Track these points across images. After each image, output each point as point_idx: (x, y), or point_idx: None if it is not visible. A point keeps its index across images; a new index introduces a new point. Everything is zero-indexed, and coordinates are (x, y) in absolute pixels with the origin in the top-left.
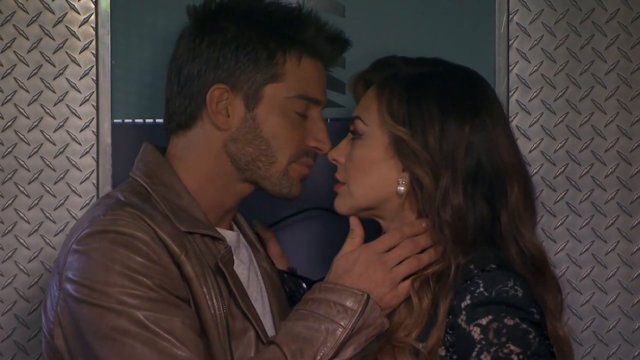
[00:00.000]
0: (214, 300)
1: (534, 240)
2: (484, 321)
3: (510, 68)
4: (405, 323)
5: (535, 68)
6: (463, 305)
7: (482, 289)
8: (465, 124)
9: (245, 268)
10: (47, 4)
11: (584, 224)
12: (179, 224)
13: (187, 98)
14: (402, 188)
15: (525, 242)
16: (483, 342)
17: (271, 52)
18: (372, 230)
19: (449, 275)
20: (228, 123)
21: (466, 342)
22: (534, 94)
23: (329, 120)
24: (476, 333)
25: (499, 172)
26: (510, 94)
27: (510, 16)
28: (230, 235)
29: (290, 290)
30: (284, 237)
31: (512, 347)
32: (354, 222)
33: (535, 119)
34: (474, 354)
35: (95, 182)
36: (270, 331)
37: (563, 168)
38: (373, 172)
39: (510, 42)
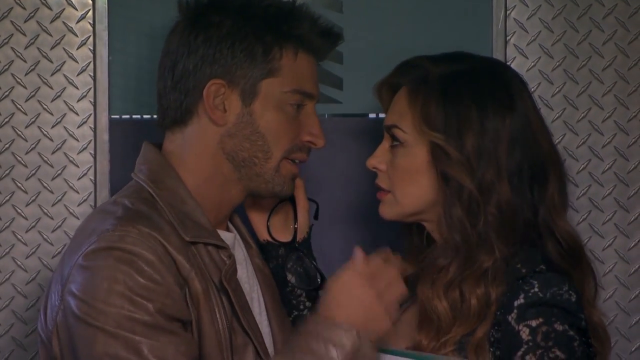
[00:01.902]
0: (218, 317)
1: (568, 229)
2: (533, 323)
3: (508, 64)
4: (455, 322)
5: (532, 64)
6: (516, 303)
7: (536, 290)
8: (506, 118)
9: (242, 267)
10: (44, 0)
11: (581, 219)
12: (184, 234)
13: (183, 93)
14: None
15: (562, 233)
16: (530, 344)
17: (267, 48)
18: (390, 233)
19: (497, 271)
20: (225, 118)
21: (513, 340)
22: (532, 90)
23: (326, 116)
24: (525, 333)
25: (539, 162)
26: None
27: (508, 12)
28: (228, 238)
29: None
30: None
31: (558, 353)
32: (358, 255)
33: None
34: (520, 353)
35: (92, 178)
36: (265, 330)
37: None
38: (419, 181)
39: (508, 38)
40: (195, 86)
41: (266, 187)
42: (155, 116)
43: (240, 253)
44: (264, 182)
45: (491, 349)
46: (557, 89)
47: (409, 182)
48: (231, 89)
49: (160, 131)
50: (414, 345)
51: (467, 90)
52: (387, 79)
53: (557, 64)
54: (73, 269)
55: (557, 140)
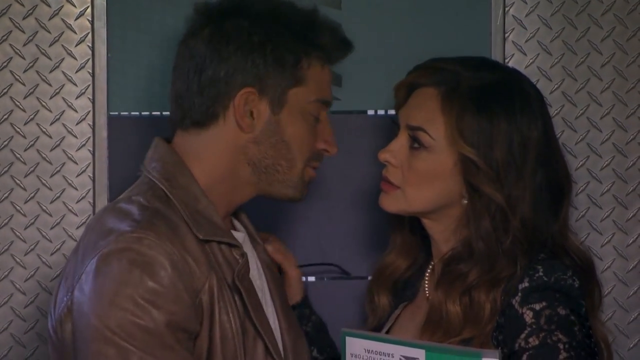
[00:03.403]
0: (232, 317)
1: (579, 246)
2: (537, 306)
3: (506, 61)
4: (465, 325)
5: (531, 61)
6: (520, 287)
7: (541, 274)
8: (533, 134)
9: (252, 264)
10: None
11: (579, 216)
12: (197, 232)
13: (210, 99)
14: (466, 201)
15: (574, 249)
16: (534, 326)
17: (297, 57)
18: (382, 221)
19: (513, 281)
20: (252, 126)
21: (516, 323)
22: None
23: None
24: (528, 316)
25: (558, 180)
26: None
27: (506, 9)
28: (239, 236)
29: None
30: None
31: (560, 336)
32: None
33: None
34: (523, 335)
35: (91, 175)
36: (274, 325)
37: None
38: (437, 185)
39: (506, 35)
40: (225, 93)
41: (286, 192)
42: (153, 113)
43: (249, 251)
44: (285, 187)
45: (494, 334)
46: (555, 86)
47: (426, 185)
48: (261, 97)
49: (160, 128)
50: None
51: (499, 105)
52: (411, 79)
53: (556, 60)
54: (88, 267)
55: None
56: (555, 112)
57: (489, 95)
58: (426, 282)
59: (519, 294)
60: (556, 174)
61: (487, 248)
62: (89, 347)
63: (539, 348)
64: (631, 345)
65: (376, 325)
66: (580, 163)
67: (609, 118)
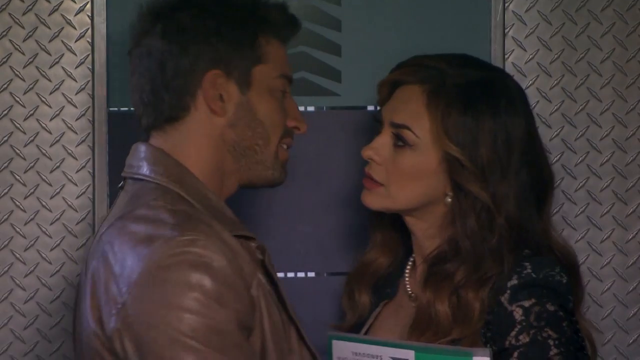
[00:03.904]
0: (274, 309)
1: (563, 244)
2: (526, 303)
3: (506, 56)
4: (454, 325)
5: (531, 56)
6: (509, 284)
7: (529, 271)
8: (517, 133)
9: None
10: None
11: (579, 212)
12: (225, 228)
13: (178, 91)
14: (450, 200)
15: (559, 247)
16: (524, 324)
17: (253, 35)
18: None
19: (501, 280)
20: (224, 108)
21: (506, 320)
22: (530, 83)
23: (324, 108)
24: (518, 314)
25: (542, 178)
26: None
27: (506, 4)
28: None
29: None
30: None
31: (550, 332)
32: None
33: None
34: (513, 333)
35: (91, 170)
36: None
37: (559, 156)
38: (421, 183)
39: (506, 31)
40: (191, 82)
41: (265, 174)
42: None
43: None
44: (264, 169)
45: (483, 331)
46: (555, 82)
47: (409, 183)
48: (228, 79)
49: (142, 132)
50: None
51: (485, 103)
52: (396, 76)
53: (556, 56)
54: (138, 277)
55: (555, 133)
56: (555, 108)
57: (474, 94)
58: (406, 279)
59: (508, 291)
60: (540, 172)
61: (473, 247)
62: (164, 357)
63: (529, 345)
64: (630, 341)
65: (356, 323)
66: (580, 159)
67: (609, 114)
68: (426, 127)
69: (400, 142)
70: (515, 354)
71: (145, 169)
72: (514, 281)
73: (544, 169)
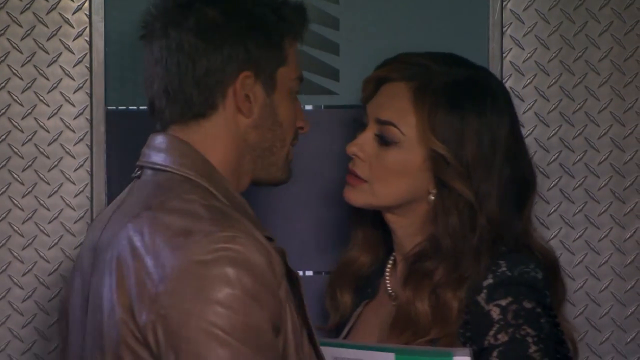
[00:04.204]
0: (294, 310)
1: (543, 244)
2: (503, 302)
3: (504, 55)
4: (434, 325)
5: (528, 55)
6: (485, 284)
7: (504, 269)
8: (501, 131)
9: None
10: None
11: (577, 210)
12: (254, 227)
13: (209, 89)
14: (433, 198)
15: (538, 247)
16: (502, 323)
17: (282, 37)
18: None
19: (477, 279)
20: (251, 110)
21: (483, 320)
22: (528, 81)
23: (322, 107)
24: (495, 313)
25: (524, 178)
26: (504, 80)
27: (504, 3)
28: None
29: None
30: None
31: (528, 330)
32: None
33: (528, 106)
34: (492, 332)
35: (89, 169)
36: None
37: (556, 155)
38: (405, 180)
39: (504, 29)
40: (223, 81)
41: (276, 174)
42: None
43: None
44: (277, 170)
45: (460, 331)
46: (553, 80)
47: (394, 180)
48: (256, 80)
49: (159, 124)
50: (379, 342)
51: (470, 101)
52: (384, 73)
53: (554, 55)
54: (174, 271)
55: (553, 132)
56: (553, 106)
57: (461, 92)
58: (387, 278)
59: (484, 290)
60: (522, 172)
61: (454, 245)
62: (200, 351)
63: (508, 344)
64: (628, 340)
65: (338, 323)
66: (578, 157)
67: (607, 112)
68: (412, 124)
69: (385, 139)
70: (495, 353)
71: (170, 161)
72: (490, 280)
73: (526, 169)
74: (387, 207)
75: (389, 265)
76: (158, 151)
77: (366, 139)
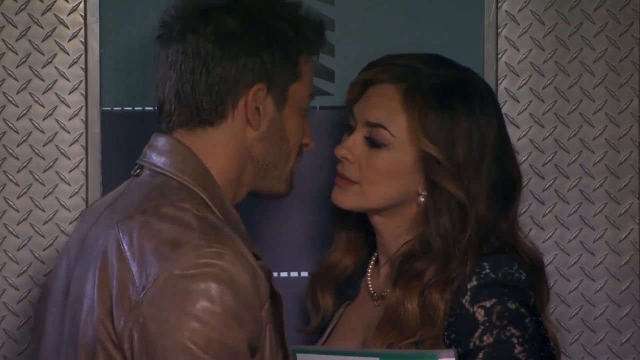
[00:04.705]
0: (273, 331)
1: (529, 245)
2: (487, 304)
3: (499, 56)
4: (421, 326)
5: (524, 56)
6: (469, 286)
7: (488, 271)
8: (490, 132)
9: None
10: None
11: (572, 211)
12: (243, 244)
13: (220, 97)
14: (423, 199)
15: (524, 248)
16: (487, 324)
17: (298, 53)
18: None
19: (462, 281)
20: (260, 123)
21: (468, 322)
22: (523, 82)
23: (318, 108)
24: (480, 315)
25: (510, 179)
26: (499, 82)
27: (499, 4)
28: None
29: None
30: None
31: (513, 330)
32: None
33: (523, 107)
34: (477, 334)
35: (84, 170)
36: None
37: (551, 156)
38: (396, 182)
39: (499, 30)
40: (235, 91)
41: (278, 188)
42: (147, 108)
43: None
44: (279, 183)
45: (445, 333)
46: (548, 81)
47: (384, 182)
48: (267, 93)
49: (152, 124)
50: (362, 345)
51: (460, 102)
52: (372, 75)
53: (549, 56)
54: (158, 279)
55: (548, 133)
56: (548, 107)
57: (450, 93)
58: (369, 278)
59: (468, 292)
60: (508, 172)
61: (444, 246)
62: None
63: (493, 345)
64: (623, 340)
65: (320, 325)
66: (573, 158)
67: (602, 113)
68: (403, 125)
69: (375, 141)
70: (480, 355)
71: (169, 165)
72: (474, 282)
73: (512, 169)
74: (376, 209)
75: (370, 266)
76: (159, 153)
77: (355, 142)
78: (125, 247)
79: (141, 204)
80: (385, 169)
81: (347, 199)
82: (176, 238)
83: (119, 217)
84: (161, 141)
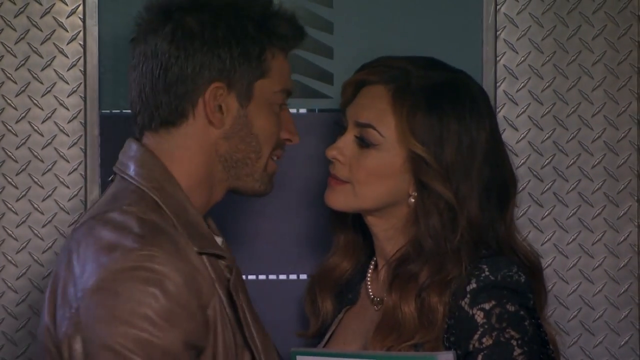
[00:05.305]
0: (230, 330)
1: (527, 247)
2: (487, 306)
3: (498, 59)
4: (419, 329)
5: (522, 59)
6: (468, 288)
7: (487, 273)
8: (481, 134)
9: None
10: None
11: (570, 214)
12: (194, 245)
13: (178, 97)
14: (413, 200)
15: (522, 250)
16: (486, 326)
17: (262, 49)
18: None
19: (460, 282)
20: (222, 121)
21: (468, 324)
22: (522, 85)
23: (316, 110)
24: (479, 317)
25: (504, 181)
26: (498, 84)
27: (498, 7)
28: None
29: None
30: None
31: (512, 333)
32: None
33: (522, 110)
34: (476, 336)
35: (83, 173)
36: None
37: (550, 158)
38: (386, 182)
39: (498, 33)
40: (193, 90)
41: (252, 185)
42: None
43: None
44: (252, 181)
45: (445, 336)
46: (547, 84)
47: (374, 182)
48: (229, 91)
49: (135, 130)
50: (362, 350)
51: (449, 104)
52: (363, 76)
53: (547, 58)
54: (93, 284)
55: (547, 136)
56: (547, 110)
57: (439, 95)
58: (368, 282)
59: (468, 295)
60: (501, 174)
61: (436, 246)
62: None
63: (493, 347)
64: (622, 343)
65: (319, 329)
66: (572, 161)
67: (600, 116)
68: (391, 126)
69: (364, 141)
70: (480, 357)
71: (131, 170)
72: (473, 285)
73: (506, 170)
74: (368, 209)
75: (369, 270)
76: (127, 159)
77: (346, 142)
78: (74, 254)
79: (95, 210)
80: (374, 169)
81: (339, 199)
82: (112, 242)
83: (79, 224)
84: (130, 147)
